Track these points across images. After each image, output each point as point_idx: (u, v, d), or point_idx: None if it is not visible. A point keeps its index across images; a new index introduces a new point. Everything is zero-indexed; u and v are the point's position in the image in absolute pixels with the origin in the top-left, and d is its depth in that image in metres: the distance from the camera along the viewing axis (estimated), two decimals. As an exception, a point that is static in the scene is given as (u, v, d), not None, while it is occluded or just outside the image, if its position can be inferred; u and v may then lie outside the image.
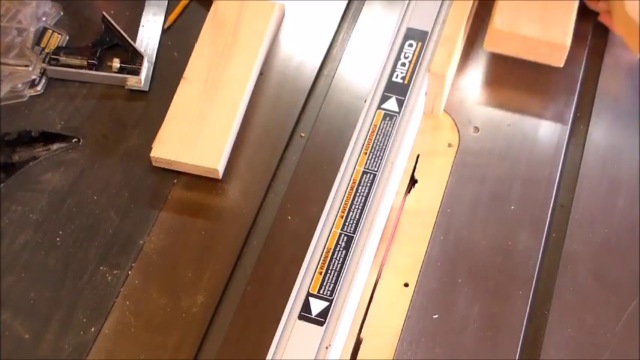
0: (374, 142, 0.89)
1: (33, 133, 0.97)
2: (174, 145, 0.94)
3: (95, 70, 1.02)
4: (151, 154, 0.93)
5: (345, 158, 0.88)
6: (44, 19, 1.06)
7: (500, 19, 0.95)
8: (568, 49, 0.93)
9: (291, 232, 0.90)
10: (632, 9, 0.93)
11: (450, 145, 0.95)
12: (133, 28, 1.05)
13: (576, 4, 0.95)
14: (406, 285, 0.87)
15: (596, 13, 1.02)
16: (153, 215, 0.92)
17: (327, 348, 0.78)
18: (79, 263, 0.89)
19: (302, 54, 1.04)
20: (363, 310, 0.85)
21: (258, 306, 0.85)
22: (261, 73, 1.02)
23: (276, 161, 0.95)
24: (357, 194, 0.86)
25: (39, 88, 1.01)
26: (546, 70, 0.96)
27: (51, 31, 1.05)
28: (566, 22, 0.94)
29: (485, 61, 1.02)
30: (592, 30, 1.03)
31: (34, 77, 1.01)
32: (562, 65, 0.94)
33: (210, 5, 1.04)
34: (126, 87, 1.01)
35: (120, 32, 1.03)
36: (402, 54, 0.96)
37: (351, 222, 0.84)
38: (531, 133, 0.95)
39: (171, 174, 0.94)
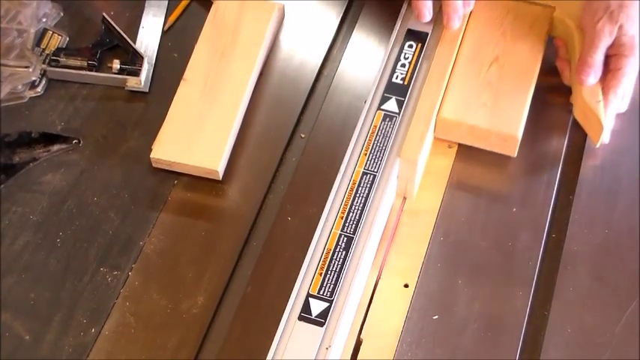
0: (374, 143, 0.89)
1: (33, 135, 0.97)
2: (174, 146, 0.94)
3: (95, 71, 1.02)
4: (151, 156, 0.93)
5: (345, 159, 0.88)
6: (44, 20, 1.06)
7: (449, 107, 0.92)
8: (519, 140, 0.90)
9: (291, 233, 0.90)
10: (591, 96, 0.91)
11: (450, 146, 0.95)
12: (133, 29, 1.05)
13: (529, 94, 0.93)
14: (406, 286, 0.86)
15: None
16: (153, 216, 0.92)
17: (327, 349, 0.78)
18: (79, 264, 0.89)
19: (302, 54, 1.04)
20: (363, 310, 0.85)
21: (258, 307, 0.85)
22: (261, 74, 1.02)
23: (276, 162, 0.95)
24: (357, 195, 0.86)
25: (39, 89, 1.01)
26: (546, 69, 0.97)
27: (51, 32, 1.05)
28: (517, 112, 0.91)
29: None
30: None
31: (34, 78, 1.01)
32: (515, 156, 0.92)
33: (210, 6, 1.05)
34: (126, 88, 1.01)
35: (120, 33, 1.03)
36: (402, 55, 0.96)
37: (351, 223, 0.84)
38: (531, 133, 0.95)
39: (171, 175, 0.94)
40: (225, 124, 0.95)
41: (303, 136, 0.98)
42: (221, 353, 0.83)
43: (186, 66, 0.99)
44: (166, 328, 0.84)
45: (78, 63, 1.02)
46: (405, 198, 0.92)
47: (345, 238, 0.84)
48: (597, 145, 0.92)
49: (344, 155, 0.89)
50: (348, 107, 0.99)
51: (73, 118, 0.99)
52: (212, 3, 1.05)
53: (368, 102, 0.93)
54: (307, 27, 1.07)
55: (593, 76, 0.91)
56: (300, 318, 0.79)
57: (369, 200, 0.86)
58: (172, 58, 1.04)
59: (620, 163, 0.93)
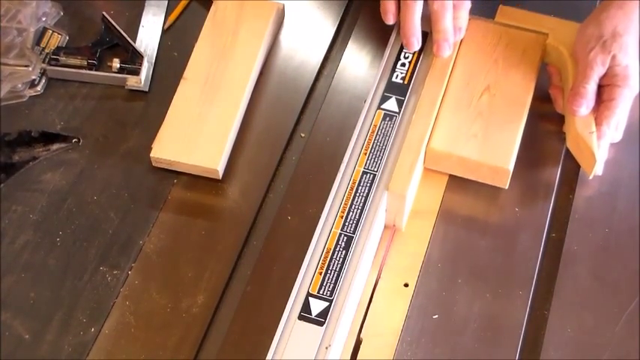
0: (374, 142, 0.89)
1: (33, 134, 0.97)
2: (174, 145, 0.93)
3: (95, 70, 1.02)
4: (151, 155, 0.93)
5: (345, 158, 0.89)
6: (44, 19, 1.06)
7: (438, 138, 0.89)
8: (510, 173, 0.88)
9: (291, 232, 0.90)
10: (584, 127, 0.89)
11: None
12: (133, 29, 1.05)
13: (521, 126, 0.91)
14: (406, 285, 0.86)
15: None
16: (153, 215, 0.92)
17: (327, 348, 0.78)
18: (78, 263, 0.88)
19: (302, 54, 1.04)
20: (363, 310, 0.85)
21: (258, 306, 0.85)
22: (261, 74, 1.02)
23: (276, 161, 0.95)
24: (357, 194, 0.86)
25: (39, 88, 1.01)
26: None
27: (51, 31, 1.05)
28: (509, 144, 0.89)
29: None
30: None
31: (34, 77, 1.01)
32: (507, 187, 0.90)
33: (210, 5, 1.04)
34: (126, 87, 1.01)
35: (120, 32, 1.03)
36: (402, 54, 0.96)
37: (351, 222, 0.84)
38: (531, 133, 0.95)
39: (171, 174, 0.94)
40: (225, 123, 0.95)
41: (303, 135, 0.98)
42: (221, 352, 0.83)
43: (186, 65, 0.99)
44: (166, 327, 0.84)
45: (78, 62, 1.02)
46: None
47: (345, 238, 0.84)
48: (590, 177, 0.91)
49: (344, 154, 0.89)
50: (348, 107, 0.99)
51: (73, 117, 0.99)
52: (212, 2, 1.05)
53: (368, 101, 0.93)
54: (307, 27, 1.06)
55: (585, 106, 0.89)
56: (300, 317, 0.79)
57: (369, 199, 0.86)
58: (172, 57, 1.04)
59: (620, 163, 0.92)
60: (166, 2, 1.08)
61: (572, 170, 0.93)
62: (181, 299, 0.86)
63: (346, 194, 0.86)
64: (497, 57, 0.95)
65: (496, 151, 0.89)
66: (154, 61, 1.03)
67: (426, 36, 0.97)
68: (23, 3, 1.05)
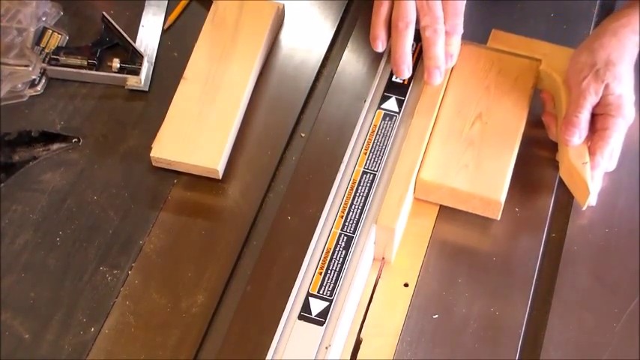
0: (374, 142, 0.89)
1: (33, 133, 0.97)
2: (174, 145, 0.93)
3: (95, 70, 1.02)
4: (151, 154, 0.93)
5: (345, 158, 0.89)
6: (44, 19, 1.06)
7: (429, 168, 0.88)
8: (502, 205, 0.87)
9: (291, 232, 0.90)
10: (577, 157, 0.87)
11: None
12: (133, 28, 1.05)
13: (513, 156, 0.89)
14: (406, 285, 0.86)
15: None
16: (153, 215, 0.92)
17: (327, 348, 0.78)
18: (79, 263, 0.88)
19: (302, 54, 1.04)
20: (363, 310, 0.85)
21: (258, 306, 0.85)
22: (261, 74, 1.02)
23: (276, 161, 0.95)
24: (357, 194, 0.86)
25: (39, 88, 1.01)
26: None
27: (51, 31, 1.05)
28: (501, 175, 0.87)
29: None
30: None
31: (34, 77, 1.01)
32: (498, 219, 0.88)
33: (210, 5, 1.04)
34: (126, 87, 1.01)
35: (120, 32, 1.03)
36: (402, 54, 0.96)
37: (351, 222, 0.84)
38: (531, 133, 0.95)
39: (171, 174, 0.94)
40: (225, 123, 0.95)
41: (303, 135, 0.98)
42: (221, 352, 0.83)
43: (186, 65, 0.99)
44: (166, 327, 0.84)
45: (78, 62, 1.02)
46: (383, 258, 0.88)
47: (345, 238, 0.84)
48: (584, 208, 0.89)
49: (344, 154, 0.89)
50: (348, 107, 0.99)
51: (73, 117, 0.99)
52: (212, 2, 1.05)
53: (368, 101, 0.93)
54: (307, 27, 1.06)
55: (578, 136, 0.87)
56: (300, 317, 0.79)
57: (369, 199, 0.86)
58: (172, 57, 1.04)
59: (620, 163, 0.92)
60: (166, 2, 1.08)
61: (566, 200, 0.91)
62: (181, 299, 0.86)
63: (346, 194, 0.86)
64: (490, 84, 0.93)
65: (487, 182, 0.87)
66: (153, 61, 1.03)
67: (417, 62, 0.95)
68: (23, 3, 1.05)
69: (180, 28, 1.07)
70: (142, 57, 1.01)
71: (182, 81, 0.98)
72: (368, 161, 0.88)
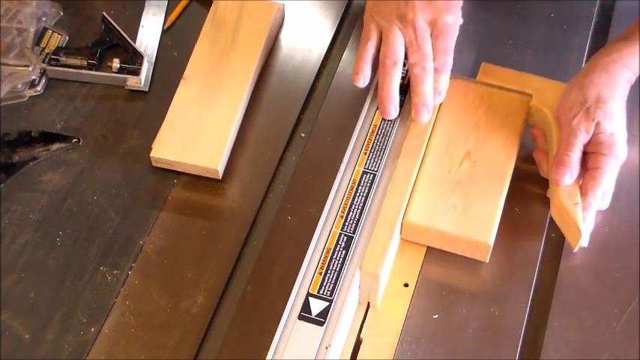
0: (374, 142, 0.89)
1: (33, 134, 0.97)
2: (174, 145, 0.93)
3: (95, 70, 1.02)
4: (151, 155, 0.93)
5: (345, 158, 0.88)
6: (44, 19, 1.06)
7: (415, 210, 0.85)
8: (491, 247, 0.84)
9: (291, 233, 0.90)
10: (568, 198, 0.85)
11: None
12: (133, 28, 1.05)
13: (502, 197, 0.86)
14: (406, 285, 0.86)
15: None
16: (153, 215, 0.92)
17: (327, 348, 0.78)
18: (78, 263, 0.88)
19: (302, 54, 1.04)
20: (363, 310, 0.85)
21: (258, 306, 0.85)
22: (261, 74, 1.02)
23: (276, 161, 0.95)
24: (357, 194, 0.86)
25: (39, 88, 1.01)
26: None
27: (51, 32, 1.05)
28: (489, 217, 0.85)
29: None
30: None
31: (33, 77, 1.01)
32: (487, 261, 0.86)
33: (210, 5, 1.04)
34: (126, 87, 1.01)
35: (120, 32, 1.03)
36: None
37: (351, 222, 0.84)
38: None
39: (171, 174, 0.94)
40: (225, 123, 0.95)
41: (303, 135, 0.98)
42: (221, 352, 0.83)
43: (186, 65, 0.99)
44: (166, 327, 0.84)
45: (78, 62, 1.02)
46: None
47: (345, 238, 0.84)
48: (575, 249, 0.86)
49: (344, 154, 0.89)
50: (348, 107, 0.98)
51: (73, 117, 0.99)
52: (212, 2, 1.05)
53: (368, 101, 0.93)
54: (307, 27, 1.07)
55: (569, 175, 0.85)
56: (300, 317, 0.79)
57: (369, 199, 0.86)
58: (172, 57, 1.04)
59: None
60: (166, 2, 1.08)
61: (558, 242, 0.89)
62: (181, 299, 0.86)
63: (346, 194, 0.86)
64: (479, 120, 0.91)
65: (476, 224, 0.85)
66: (153, 61, 1.03)
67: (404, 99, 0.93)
68: (23, 3, 1.05)
69: (180, 28, 1.07)
70: (142, 57, 1.01)
71: (182, 81, 0.98)
72: (368, 161, 0.88)
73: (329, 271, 0.82)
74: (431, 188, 0.87)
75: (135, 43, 1.04)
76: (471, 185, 0.87)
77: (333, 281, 0.81)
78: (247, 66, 0.99)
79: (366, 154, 0.89)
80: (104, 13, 1.05)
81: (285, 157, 0.96)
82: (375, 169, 0.88)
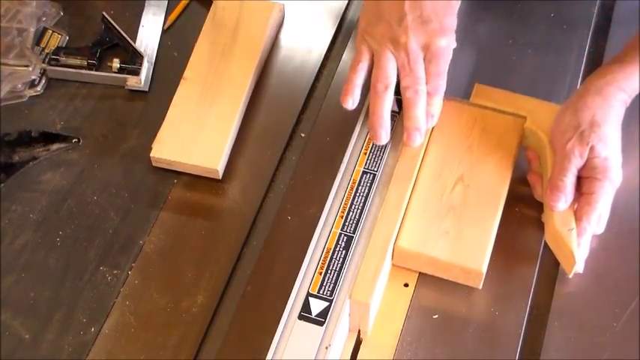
0: (374, 142, 0.89)
1: (33, 134, 0.97)
2: (174, 145, 0.94)
3: (95, 70, 1.02)
4: (151, 155, 0.93)
5: (345, 158, 0.88)
6: (44, 19, 1.06)
7: (407, 236, 0.84)
8: (484, 274, 0.83)
9: (291, 232, 0.90)
10: (562, 223, 0.84)
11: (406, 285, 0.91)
12: (133, 28, 1.05)
13: (496, 222, 0.85)
14: (406, 285, 0.86)
15: None
16: (153, 215, 0.92)
17: (327, 348, 0.78)
18: (79, 263, 0.88)
19: (302, 54, 1.04)
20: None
21: (258, 306, 0.85)
22: (261, 73, 1.02)
23: (276, 161, 0.95)
24: (357, 194, 0.86)
25: (39, 88, 1.01)
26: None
27: (51, 32, 1.05)
28: (482, 243, 0.83)
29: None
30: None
31: (33, 77, 1.01)
32: (480, 288, 0.84)
33: (210, 5, 1.05)
34: (126, 87, 1.01)
35: (120, 32, 1.03)
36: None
37: (351, 222, 0.84)
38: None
39: (171, 174, 0.94)
40: (225, 123, 0.95)
41: (303, 135, 0.98)
42: (221, 352, 0.83)
43: (186, 65, 0.99)
44: (166, 327, 0.84)
45: (78, 62, 1.02)
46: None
47: (345, 238, 0.84)
48: (570, 276, 0.85)
49: (344, 154, 0.89)
50: (348, 107, 0.98)
51: (73, 117, 0.99)
52: (212, 2, 1.05)
53: (367, 101, 0.92)
54: (307, 27, 1.07)
55: (563, 201, 0.84)
56: (300, 317, 0.79)
57: (369, 199, 0.86)
58: (172, 57, 1.04)
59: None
60: (166, 2, 1.08)
61: (552, 267, 0.87)
62: (181, 299, 0.86)
63: (346, 194, 0.86)
64: (472, 143, 0.89)
65: (468, 251, 0.83)
66: (153, 61, 1.03)
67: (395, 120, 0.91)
68: (23, 3, 1.05)
69: (180, 28, 1.07)
70: (142, 57, 1.01)
71: (182, 81, 0.98)
72: (368, 161, 0.88)
73: (329, 271, 0.82)
74: (423, 213, 0.85)
75: (135, 43, 1.04)
76: (463, 210, 0.85)
77: (333, 281, 0.81)
78: (247, 66, 0.99)
79: (366, 154, 0.89)
80: (104, 13, 1.05)
81: (285, 157, 0.96)
82: (375, 169, 0.88)
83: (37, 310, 0.86)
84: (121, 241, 0.90)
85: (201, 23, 1.03)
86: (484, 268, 0.83)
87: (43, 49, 1.03)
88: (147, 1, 1.08)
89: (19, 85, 1.00)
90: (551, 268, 0.87)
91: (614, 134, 0.85)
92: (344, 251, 0.83)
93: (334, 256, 0.82)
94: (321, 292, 0.80)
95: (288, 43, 1.05)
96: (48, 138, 0.97)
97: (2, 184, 0.94)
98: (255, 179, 0.94)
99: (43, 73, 1.02)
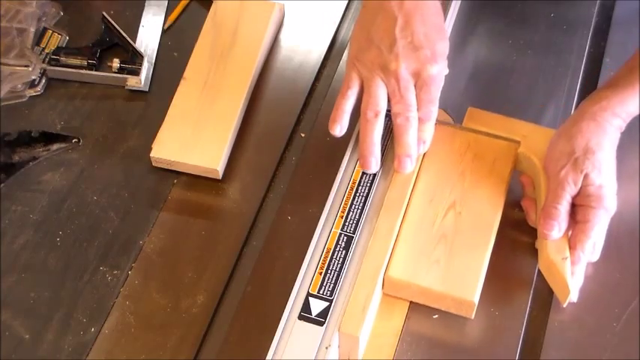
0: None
1: (33, 134, 0.97)
2: (174, 145, 0.93)
3: (95, 70, 1.02)
4: (151, 155, 0.93)
5: (345, 158, 0.88)
6: (44, 19, 1.06)
7: (397, 265, 0.82)
8: (476, 304, 0.81)
9: (291, 232, 0.90)
10: (556, 252, 0.82)
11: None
12: (133, 28, 1.05)
13: (488, 251, 0.83)
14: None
15: None
16: (153, 215, 0.92)
17: (327, 348, 0.77)
18: (79, 263, 0.88)
19: (302, 54, 1.04)
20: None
21: (258, 306, 0.85)
22: (261, 73, 1.02)
23: (276, 161, 0.95)
24: (357, 194, 0.86)
25: (39, 88, 1.01)
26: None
27: (51, 32, 1.05)
28: (474, 273, 0.81)
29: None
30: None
31: (34, 77, 1.01)
32: (472, 318, 0.82)
33: (210, 5, 1.05)
34: (126, 87, 1.01)
35: (120, 32, 1.03)
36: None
37: (351, 222, 0.84)
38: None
39: (170, 174, 0.94)
40: (224, 123, 0.95)
41: (303, 135, 0.98)
42: (221, 352, 0.83)
43: (186, 65, 0.99)
44: (166, 327, 0.84)
45: (78, 62, 1.02)
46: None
47: (345, 238, 0.84)
48: (564, 305, 0.83)
49: (344, 154, 0.89)
50: (348, 107, 0.98)
51: (73, 117, 0.99)
52: (212, 2, 1.05)
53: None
54: (307, 27, 1.07)
55: (557, 229, 0.82)
56: (300, 317, 0.79)
57: (369, 199, 0.86)
58: (172, 57, 1.04)
59: (620, 163, 0.92)
60: (166, 2, 1.08)
61: (546, 295, 0.86)
62: (181, 299, 0.86)
63: (346, 194, 0.86)
64: (465, 169, 0.87)
65: (460, 280, 0.81)
66: (154, 61, 1.03)
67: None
68: (23, 3, 1.05)
69: (180, 28, 1.07)
70: (142, 57, 1.01)
71: (182, 81, 0.98)
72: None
73: (329, 271, 0.82)
74: (414, 241, 0.83)
75: (135, 43, 1.04)
76: (455, 238, 0.83)
77: (333, 281, 0.81)
78: (247, 66, 0.99)
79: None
80: (104, 13, 1.05)
81: (285, 157, 0.96)
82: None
83: (37, 310, 0.86)
84: (121, 241, 0.90)
85: (201, 23, 1.03)
86: (476, 299, 0.81)
87: (43, 49, 1.03)
88: (147, 1, 1.08)
89: (19, 85, 1.00)
90: (546, 295, 0.85)
91: (608, 161, 0.84)
92: (344, 251, 0.83)
93: (334, 256, 0.82)
94: (321, 292, 0.80)
95: (288, 43, 1.05)
96: (48, 138, 0.97)
97: (2, 184, 0.94)
98: (255, 179, 0.94)
99: (43, 73, 1.02)
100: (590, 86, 0.99)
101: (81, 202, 0.93)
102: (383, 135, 0.88)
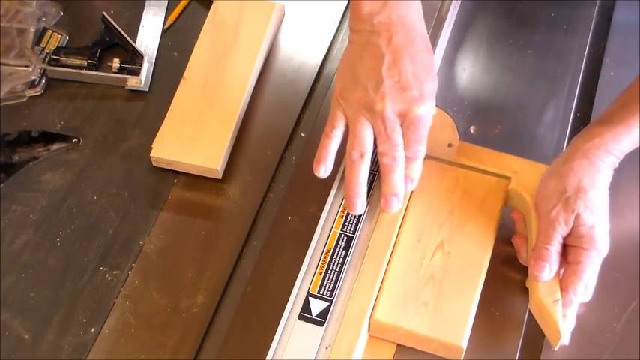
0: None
1: (33, 134, 0.97)
2: (174, 145, 0.93)
3: (95, 70, 1.02)
4: (151, 154, 0.93)
5: (345, 158, 0.88)
6: (44, 19, 1.06)
7: (383, 307, 0.80)
8: (465, 349, 0.79)
9: (291, 233, 0.90)
10: (547, 294, 0.80)
11: (449, 146, 0.94)
12: (133, 28, 1.05)
13: (477, 293, 0.81)
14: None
15: None
16: (153, 215, 0.92)
17: (327, 348, 0.78)
18: (79, 263, 0.88)
19: (302, 54, 1.04)
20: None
21: (258, 306, 0.85)
22: (261, 74, 1.02)
23: (276, 161, 0.95)
24: (357, 194, 0.86)
25: (39, 88, 1.01)
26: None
27: (51, 32, 1.05)
28: (463, 316, 0.79)
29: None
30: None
31: (34, 77, 1.01)
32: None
33: (210, 5, 1.05)
34: (126, 87, 1.01)
35: (120, 32, 1.03)
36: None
37: (351, 222, 0.84)
38: (532, 130, 0.95)
39: (171, 174, 0.94)
40: (224, 123, 0.95)
41: (303, 135, 0.98)
42: (221, 352, 0.83)
43: (186, 65, 0.99)
44: (166, 327, 0.84)
45: (78, 62, 1.02)
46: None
47: (345, 238, 0.84)
48: (555, 348, 0.80)
49: (344, 155, 0.89)
50: (348, 107, 0.98)
51: (73, 117, 0.99)
52: (212, 2, 1.05)
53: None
54: (307, 27, 1.07)
55: (548, 270, 0.80)
56: (300, 317, 0.79)
57: (369, 199, 0.86)
58: (172, 57, 1.04)
59: (620, 163, 0.92)
60: (166, 2, 1.08)
61: (537, 336, 0.83)
62: (181, 299, 0.86)
63: (346, 194, 0.86)
64: (454, 206, 0.85)
65: (448, 324, 0.79)
66: (154, 61, 1.03)
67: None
68: (23, 3, 1.05)
69: (180, 28, 1.07)
70: (142, 57, 1.01)
71: (182, 81, 0.98)
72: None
73: (329, 271, 0.82)
74: (401, 283, 0.81)
75: (135, 43, 1.04)
76: (443, 279, 0.81)
77: (333, 281, 0.81)
78: (247, 66, 0.99)
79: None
80: (104, 13, 1.05)
81: (285, 157, 0.96)
82: (375, 169, 0.87)
83: (37, 310, 0.86)
84: (121, 241, 0.90)
85: (201, 23, 1.03)
86: (464, 343, 0.79)
87: (43, 49, 1.03)
88: (147, 1, 1.08)
89: (19, 85, 1.00)
90: (537, 336, 0.83)
91: (600, 200, 0.82)
92: (344, 251, 0.83)
93: (334, 256, 0.82)
94: (321, 292, 0.80)
95: (288, 43, 1.05)
96: (48, 138, 0.97)
97: (2, 184, 0.94)
98: (255, 179, 0.94)
99: (43, 73, 1.02)
100: (590, 87, 0.99)
101: (81, 202, 0.93)
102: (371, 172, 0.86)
